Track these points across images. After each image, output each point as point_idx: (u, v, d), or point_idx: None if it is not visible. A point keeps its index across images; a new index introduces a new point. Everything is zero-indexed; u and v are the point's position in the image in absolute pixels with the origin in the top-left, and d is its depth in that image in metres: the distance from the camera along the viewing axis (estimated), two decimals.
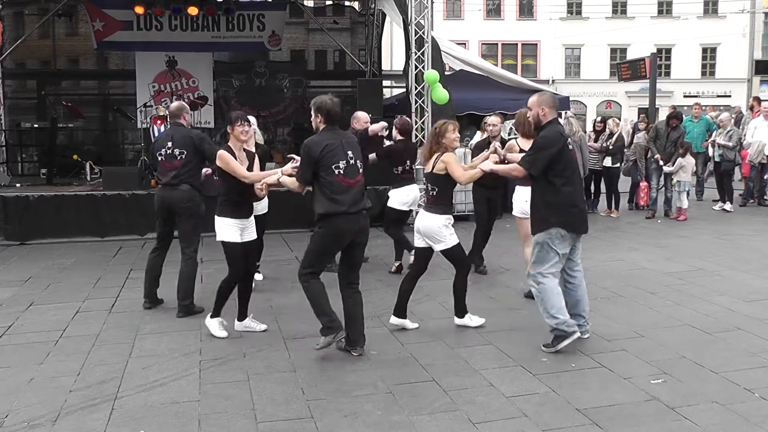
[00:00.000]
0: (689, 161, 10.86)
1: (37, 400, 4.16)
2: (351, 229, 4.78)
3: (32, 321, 5.85)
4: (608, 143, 11.33)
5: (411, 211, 7.67)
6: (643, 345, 5.02)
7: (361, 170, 4.86)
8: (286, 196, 8.62)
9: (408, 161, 7.46)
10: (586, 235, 5.05)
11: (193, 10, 13.08)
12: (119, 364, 4.74)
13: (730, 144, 11.82)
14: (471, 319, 5.50)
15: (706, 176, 13.31)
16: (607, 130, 11.61)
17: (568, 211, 4.85)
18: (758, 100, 13.39)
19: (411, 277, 5.50)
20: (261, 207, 6.36)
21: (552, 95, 5.20)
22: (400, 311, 5.48)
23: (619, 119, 15.90)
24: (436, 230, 5.24)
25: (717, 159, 12.05)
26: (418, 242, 5.40)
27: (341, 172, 4.71)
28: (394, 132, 7.60)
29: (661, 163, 10.91)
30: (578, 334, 4.88)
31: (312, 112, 4.88)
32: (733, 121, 12.77)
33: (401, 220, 7.62)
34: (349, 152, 4.78)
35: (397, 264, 7.47)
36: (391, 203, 7.51)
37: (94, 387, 4.36)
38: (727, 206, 11.78)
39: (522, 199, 6.20)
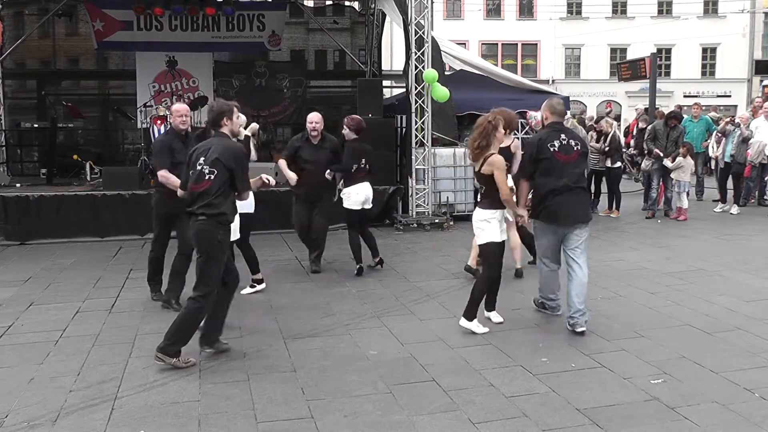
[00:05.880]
0: (688, 162, 10.85)
1: (37, 400, 4.16)
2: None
3: (32, 321, 5.85)
4: (604, 144, 11.30)
5: (365, 209, 7.49)
6: (643, 345, 5.02)
7: (206, 177, 4.59)
8: (286, 196, 8.65)
9: (363, 160, 7.36)
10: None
11: (193, 11, 13.09)
12: (119, 364, 4.74)
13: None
14: (478, 326, 5.35)
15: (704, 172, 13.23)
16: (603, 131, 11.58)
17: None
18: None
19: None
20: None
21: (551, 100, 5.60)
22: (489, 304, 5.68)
23: (617, 119, 15.74)
24: (475, 224, 5.45)
25: (728, 160, 11.89)
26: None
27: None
28: (347, 131, 7.32)
29: (662, 157, 10.77)
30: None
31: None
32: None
33: (355, 219, 7.46)
34: (201, 159, 4.65)
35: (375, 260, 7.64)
36: (345, 204, 7.38)
37: (94, 387, 4.36)
38: (734, 209, 11.66)
39: None
